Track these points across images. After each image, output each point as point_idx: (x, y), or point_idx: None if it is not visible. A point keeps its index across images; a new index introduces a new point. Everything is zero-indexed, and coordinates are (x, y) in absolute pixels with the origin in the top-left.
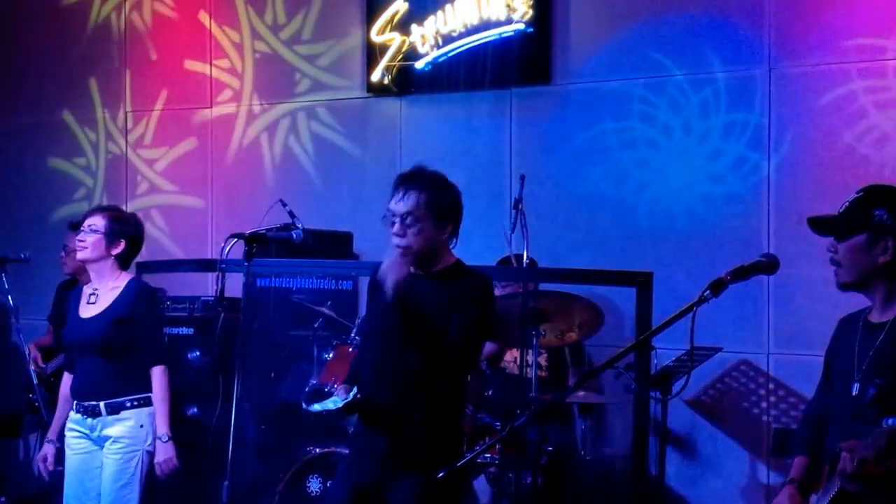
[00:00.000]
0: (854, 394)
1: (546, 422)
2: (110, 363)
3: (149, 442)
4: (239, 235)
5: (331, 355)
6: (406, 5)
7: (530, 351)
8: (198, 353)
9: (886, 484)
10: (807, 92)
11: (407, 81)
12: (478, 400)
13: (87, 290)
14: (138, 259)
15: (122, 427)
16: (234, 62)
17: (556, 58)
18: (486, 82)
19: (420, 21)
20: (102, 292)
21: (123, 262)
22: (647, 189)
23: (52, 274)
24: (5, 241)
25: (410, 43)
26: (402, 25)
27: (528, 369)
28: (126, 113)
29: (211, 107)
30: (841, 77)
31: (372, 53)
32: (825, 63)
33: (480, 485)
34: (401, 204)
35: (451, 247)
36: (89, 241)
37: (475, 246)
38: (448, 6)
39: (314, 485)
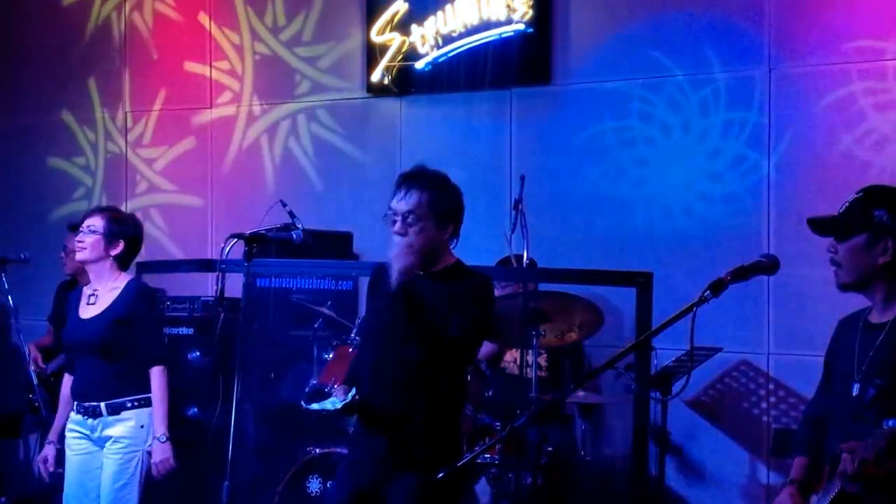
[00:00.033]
0: (854, 394)
1: (546, 422)
2: (110, 364)
3: (149, 442)
4: (239, 236)
5: (331, 355)
6: (406, 5)
7: (530, 351)
8: (198, 354)
9: (887, 485)
10: (807, 92)
11: (407, 82)
12: (478, 400)
13: (86, 290)
14: (138, 259)
15: (123, 427)
16: (233, 64)
17: (556, 58)
18: (486, 82)
19: (420, 21)
20: (102, 293)
21: (123, 262)
22: (647, 189)
23: (51, 274)
24: (5, 241)
25: (410, 43)
26: (402, 26)
27: (528, 369)
28: (126, 113)
29: (211, 108)
30: (841, 78)
31: (372, 54)
32: (825, 63)
33: (480, 485)
34: (403, 203)
35: (451, 247)
36: (88, 242)
37: (475, 246)
38: (448, 6)
39: (314, 485)
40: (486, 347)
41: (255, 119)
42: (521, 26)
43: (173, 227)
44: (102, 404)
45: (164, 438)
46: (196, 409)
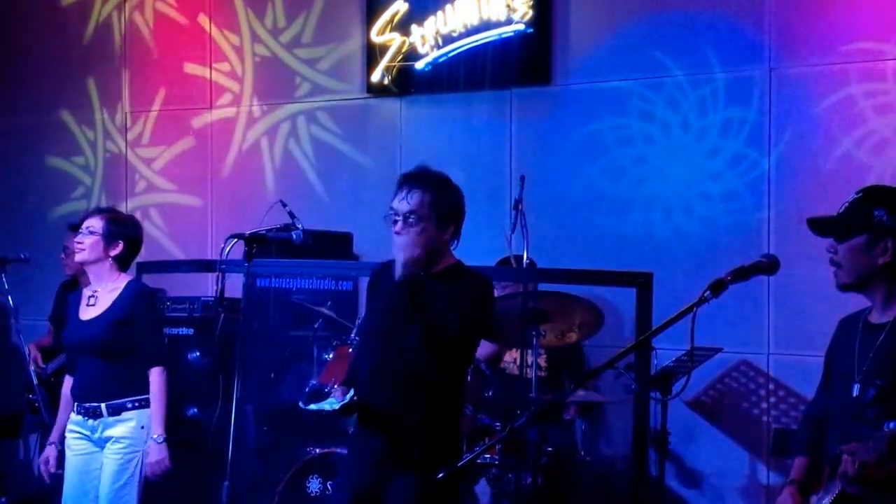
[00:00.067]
0: (854, 395)
1: (546, 422)
2: (111, 365)
3: (149, 443)
4: (239, 236)
5: (331, 356)
6: (406, 6)
7: (530, 351)
8: (198, 354)
9: (888, 487)
10: (807, 92)
11: (407, 82)
12: (478, 400)
13: (86, 292)
14: (138, 259)
15: (124, 428)
16: (233, 65)
17: (556, 58)
18: (486, 83)
19: (420, 21)
20: (102, 294)
21: (122, 263)
22: (646, 188)
23: (51, 274)
24: (4, 241)
25: (410, 43)
26: (402, 26)
27: (528, 370)
28: (125, 114)
29: (211, 109)
30: (841, 78)
31: (372, 54)
32: (826, 64)
33: (480, 485)
34: (404, 203)
35: (452, 248)
36: (87, 243)
37: (475, 246)
38: (448, 6)
39: (314, 485)
40: (487, 348)
41: (255, 121)
42: (521, 26)
43: (173, 228)
44: (103, 405)
45: (161, 439)
46: (196, 410)
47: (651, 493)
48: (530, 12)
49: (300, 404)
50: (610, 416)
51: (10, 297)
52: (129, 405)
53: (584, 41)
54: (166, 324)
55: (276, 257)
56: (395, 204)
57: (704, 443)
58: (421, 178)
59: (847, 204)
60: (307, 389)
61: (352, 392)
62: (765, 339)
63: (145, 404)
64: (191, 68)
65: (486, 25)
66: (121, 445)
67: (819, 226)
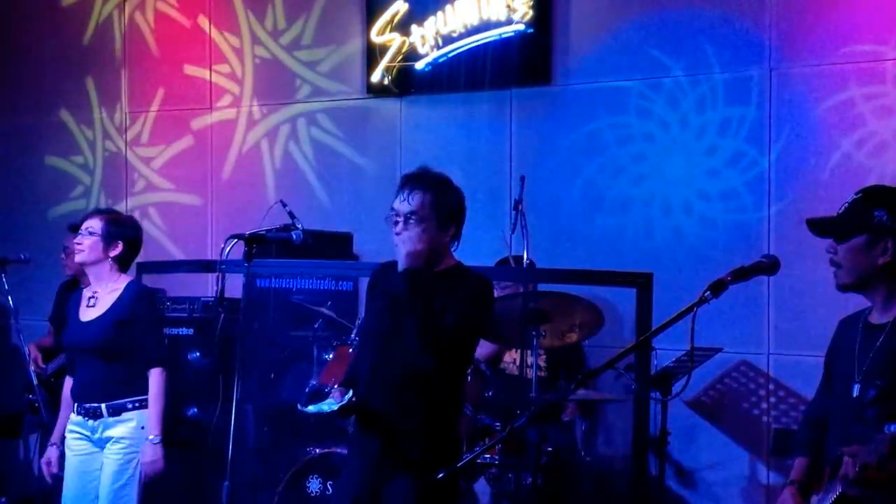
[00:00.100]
0: (855, 395)
1: (546, 423)
2: (111, 365)
3: None
4: (239, 236)
5: (331, 356)
6: (406, 6)
7: (530, 351)
8: (198, 354)
9: (888, 489)
10: (807, 93)
11: (407, 82)
12: (478, 401)
13: (86, 293)
14: (138, 260)
15: (125, 428)
16: (233, 67)
17: (557, 58)
18: (486, 83)
19: (420, 22)
20: (102, 295)
21: (122, 264)
22: (646, 187)
23: (51, 274)
24: (4, 241)
25: (410, 44)
26: (402, 26)
27: (528, 370)
28: (125, 114)
29: (211, 111)
30: (841, 79)
31: (372, 54)
32: (826, 64)
33: (480, 485)
34: (405, 204)
35: (452, 249)
36: (86, 244)
37: (474, 247)
38: (448, 7)
39: (314, 485)
40: (486, 348)
41: (255, 122)
42: (521, 26)
43: (173, 227)
44: (103, 405)
45: (157, 440)
46: (196, 410)
47: (651, 493)
48: (530, 12)
49: (298, 406)
50: (610, 416)
51: (10, 298)
52: (130, 405)
53: (584, 41)
54: (166, 324)
55: (276, 257)
56: (396, 205)
57: (704, 443)
58: (422, 179)
59: (847, 204)
60: (307, 390)
61: (350, 393)
62: (765, 339)
63: (145, 405)
64: (191, 70)
65: (486, 25)
66: (121, 446)
67: (819, 226)
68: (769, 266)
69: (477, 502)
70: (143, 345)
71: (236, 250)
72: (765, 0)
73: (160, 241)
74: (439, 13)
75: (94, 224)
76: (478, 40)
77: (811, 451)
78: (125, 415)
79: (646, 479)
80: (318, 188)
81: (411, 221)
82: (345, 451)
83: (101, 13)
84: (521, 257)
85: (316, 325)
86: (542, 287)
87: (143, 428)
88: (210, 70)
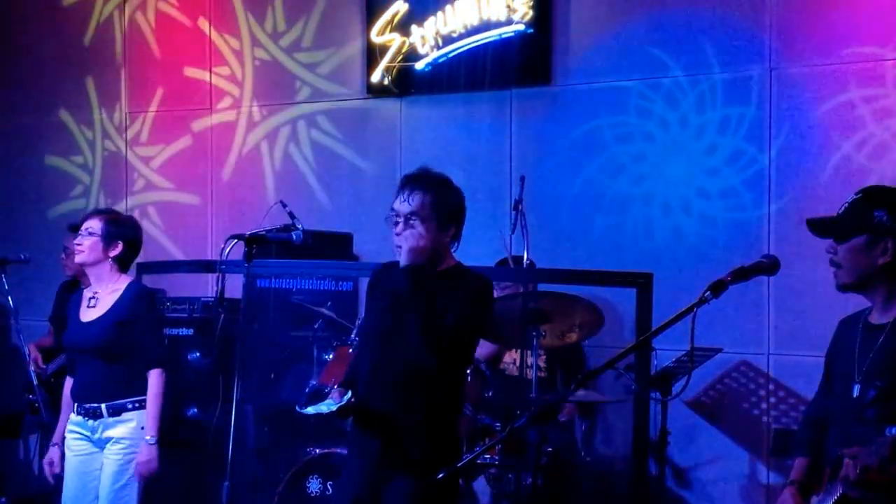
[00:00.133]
0: (855, 395)
1: (546, 423)
2: (111, 366)
3: None
4: (239, 236)
5: (331, 356)
6: (406, 6)
7: (530, 352)
8: (198, 354)
9: (889, 491)
10: (808, 93)
11: (407, 82)
12: (478, 401)
13: (87, 293)
14: (138, 260)
15: (125, 428)
16: (233, 69)
17: (557, 58)
18: (486, 83)
19: (420, 22)
20: (102, 295)
21: (122, 264)
22: (646, 187)
23: (52, 274)
24: (4, 241)
25: (410, 44)
26: (402, 26)
27: (528, 370)
28: (125, 114)
29: (211, 113)
30: (841, 79)
31: (372, 54)
32: (826, 64)
33: (480, 485)
34: (405, 204)
35: (453, 250)
36: (86, 245)
37: (474, 247)
38: (448, 7)
39: (314, 485)
40: (486, 348)
41: (255, 124)
42: (521, 27)
43: (173, 227)
44: (103, 406)
45: (153, 441)
46: (196, 410)
47: (651, 493)
48: (530, 12)
49: (297, 408)
50: (610, 417)
51: (10, 298)
52: (130, 406)
53: (584, 41)
54: (166, 324)
55: (276, 258)
56: (397, 205)
57: (704, 443)
58: (422, 180)
59: (847, 204)
60: (307, 390)
61: (349, 394)
62: (765, 339)
63: (145, 405)
64: (191, 72)
65: (486, 26)
66: (121, 446)
67: (819, 226)
68: (769, 266)
69: (477, 502)
70: (142, 345)
71: (236, 250)
72: (765, 0)
73: (160, 240)
74: (439, 13)
75: (94, 224)
76: (478, 40)
77: (811, 451)
78: (125, 415)
79: (646, 479)
80: (318, 190)
81: (411, 222)
82: (345, 452)
83: (101, 13)
84: (521, 257)
85: (316, 326)
86: (541, 287)
87: (143, 428)
88: (210, 72)
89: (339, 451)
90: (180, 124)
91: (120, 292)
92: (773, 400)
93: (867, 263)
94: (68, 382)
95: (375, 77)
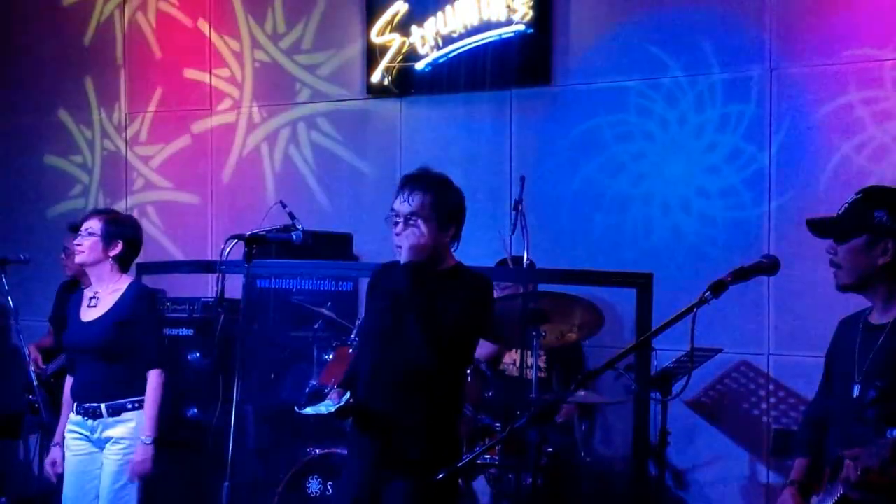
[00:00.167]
0: (855, 395)
1: (546, 423)
2: (111, 365)
3: None
4: (239, 237)
5: (330, 357)
6: (406, 6)
7: (530, 352)
8: (198, 355)
9: (889, 492)
10: (808, 93)
11: (407, 82)
12: (478, 401)
13: (87, 293)
14: (138, 260)
15: (124, 428)
16: (233, 71)
17: (557, 59)
18: (486, 83)
19: (420, 22)
20: (103, 295)
21: (123, 264)
22: (647, 187)
23: (52, 275)
24: (3, 241)
25: (410, 44)
26: (402, 26)
27: (528, 370)
28: (124, 114)
29: (211, 115)
30: (841, 80)
31: (372, 55)
32: (827, 64)
33: (480, 485)
34: (405, 204)
35: (452, 250)
36: (86, 245)
37: (474, 247)
38: (448, 7)
39: (314, 486)
40: (486, 348)
41: (255, 126)
42: (521, 27)
43: (172, 228)
44: (103, 405)
45: (149, 441)
46: (196, 410)
47: (651, 493)
48: (530, 13)
49: (296, 409)
50: (610, 417)
51: (9, 298)
52: (129, 406)
53: (584, 41)
54: (166, 325)
55: (276, 258)
56: (396, 205)
57: (704, 443)
58: (422, 180)
59: (847, 205)
60: (307, 390)
61: (347, 395)
62: (765, 339)
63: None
64: (191, 73)
65: (486, 26)
66: (120, 446)
67: (819, 227)
68: (769, 266)
69: (477, 502)
70: (142, 345)
71: (236, 251)
72: (765, 0)
73: (160, 240)
74: (439, 14)
75: (93, 224)
76: (478, 41)
77: (811, 451)
78: (125, 415)
79: (646, 479)
80: (318, 191)
81: (411, 222)
82: (345, 452)
83: (101, 13)
84: (521, 258)
85: (316, 326)
86: (541, 287)
87: None
88: (210, 74)
89: (339, 451)
90: (180, 125)
91: (121, 292)
92: (773, 400)
93: (867, 264)
94: (68, 382)
95: (375, 77)
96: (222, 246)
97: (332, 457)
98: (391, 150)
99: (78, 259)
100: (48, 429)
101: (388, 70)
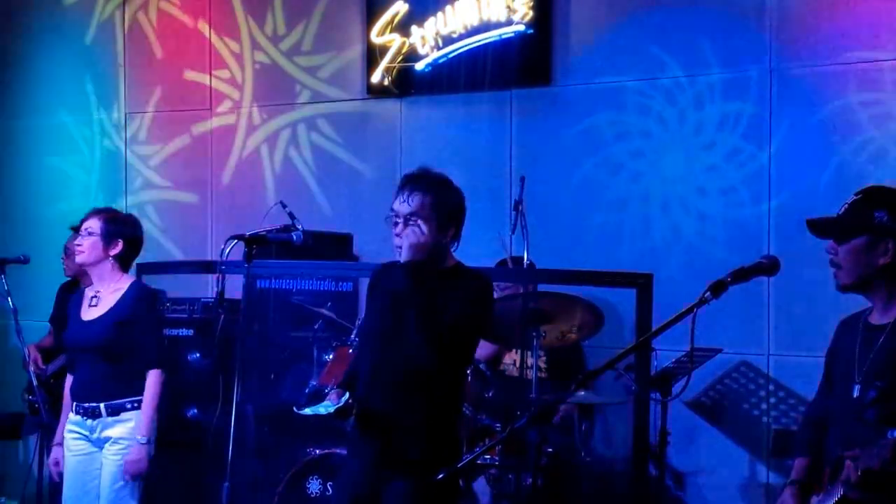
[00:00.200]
0: (855, 396)
1: (546, 423)
2: (111, 365)
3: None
4: (239, 237)
5: (331, 357)
6: (406, 7)
7: (530, 352)
8: (198, 355)
9: (890, 493)
10: (808, 93)
11: (407, 83)
12: (478, 401)
13: (88, 292)
14: (138, 260)
15: (123, 428)
16: (233, 72)
17: (557, 59)
18: (486, 83)
19: (420, 22)
20: (104, 295)
21: (123, 263)
22: (646, 187)
23: (51, 275)
24: (3, 241)
25: (410, 44)
26: (402, 27)
27: (528, 371)
28: (124, 115)
29: (211, 116)
30: (841, 80)
31: (372, 55)
32: (827, 65)
33: (480, 486)
34: (405, 205)
35: (452, 250)
36: (86, 245)
37: (474, 247)
38: (448, 7)
39: (314, 486)
40: (486, 348)
41: (255, 128)
42: (521, 27)
43: (172, 228)
44: (102, 405)
45: (145, 441)
46: (196, 411)
47: (651, 493)
48: (530, 13)
49: (294, 409)
50: (610, 418)
51: (10, 298)
52: (129, 405)
53: (584, 41)
54: (166, 325)
55: (276, 258)
56: (396, 206)
57: (704, 444)
58: (422, 180)
59: (847, 205)
60: (307, 391)
61: (346, 395)
62: (765, 339)
63: None
64: (191, 75)
65: (485, 26)
66: (120, 446)
67: (819, 227)
68: (769, 266)
69: (477, 502)
70: (142, 345)
71: (236, 251)
72: (765, 0)
73: (159, 240)
74: (439, 14)
75: (93, 224)
76: (478, 41)
77: (811, 451)
78: (124, 415)
79: (646, 479)
80: (318, 193)
81: (411, 222)
82: (345, 452)
83: (102, 13)
84: (521, 258)
85: (316, 326)
86: (541, 287)
87: None
88: (210, 75)
89: (339, 451)
90: (180, 125)
91: (122, 292)
92: (773, 400)
93: (867, 264)
94: (69, 382)
95: (375, 78)
96: (222, 246)
97: (332, 457)
98: (391, 150)
99: (78, 259)
100: (48, 429)
101: (388, 70)
